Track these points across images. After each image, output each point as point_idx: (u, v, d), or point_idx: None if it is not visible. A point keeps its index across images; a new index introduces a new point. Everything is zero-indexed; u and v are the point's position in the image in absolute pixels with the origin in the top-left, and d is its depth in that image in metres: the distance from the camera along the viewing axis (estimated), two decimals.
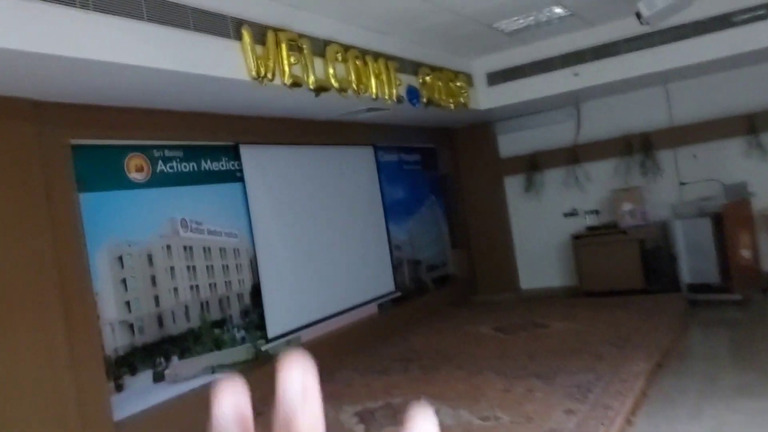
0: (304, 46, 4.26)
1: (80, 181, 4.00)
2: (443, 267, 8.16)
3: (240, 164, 5.25)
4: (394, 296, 7.01)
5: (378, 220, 6.95)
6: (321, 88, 4.36)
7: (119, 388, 4.10)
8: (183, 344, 4.56)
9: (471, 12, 5.31)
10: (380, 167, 7.12)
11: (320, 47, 4.50)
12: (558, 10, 5.76)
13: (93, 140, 4.13)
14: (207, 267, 4.88)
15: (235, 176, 5.23)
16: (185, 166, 4.81)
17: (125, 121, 4.30)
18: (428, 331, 6.57)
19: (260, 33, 3.96)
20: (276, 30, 4.05)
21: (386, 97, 5.10)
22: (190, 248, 4.76)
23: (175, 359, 4.49)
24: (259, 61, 3.86)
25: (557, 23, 6.09)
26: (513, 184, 8.41)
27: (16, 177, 3.54)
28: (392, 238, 7.14)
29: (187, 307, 4.65)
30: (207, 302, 4.82)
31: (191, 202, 4.82)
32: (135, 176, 4.41)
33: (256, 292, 5.24)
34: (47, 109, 3.72)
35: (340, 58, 4.62)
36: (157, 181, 4.57)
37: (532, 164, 8.16)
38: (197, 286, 4.77)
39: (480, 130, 8.31)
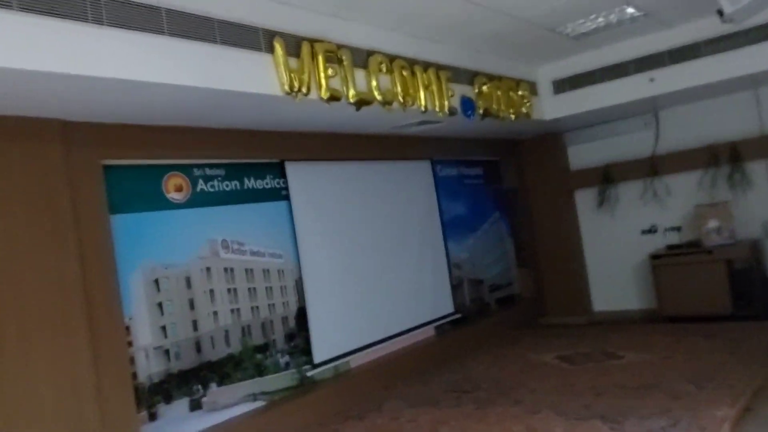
0: (344, 58, 4.00)
1: (113, 203, 3.88)
2: (508, 287, 7.70)
3: (285, 182, 5.05)
4: (453, 318, 6.62)
5: (435, 238, 6.60)
6: (362, 102, 4.09)
7: (152, 417, 3.95)
8: (222, 370, 4.37)
9: (531, 16, 4.90)
10: (438, 182, 6.78)
11: (362, 58, 4.23)
12: (630, 10, 5.25)
13: (128, 160, 4.02)
14: (249, 289, 4.68)
15: (280, 194, 5.02)
16: (227, 185, 4.65)
17: (163, 140, 4.17)
18: (488, 358, 6.14)
19: (294, 45, 3.73)
20: (312, 41, 3.81)
21: (437, 109, 4.77)
22: (231, 270, 4.58)
23: (213, 386, 4.31)
24: (292, 75, 3.63)
25: (629, 24, 5.58)
26: (584, 199, 7.84)
27: (43, 200, 3.44)
28: (451, 256, 6.77)
29: (227, 332, 4.47)
30: (248, 326, 4.62)
31: (233, 221, 4.64)
32: (174, 196, 4.28)
33: (301, 315, 5.00)
34: (77, 129, 3.62)
35: (384, 69, 4.33)
36: (198, 200, 4.42)
37: (606, 177, 7.57)
38: (238, 309, 4.58)
39: (548, 141, 7.82)
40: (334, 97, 3.89)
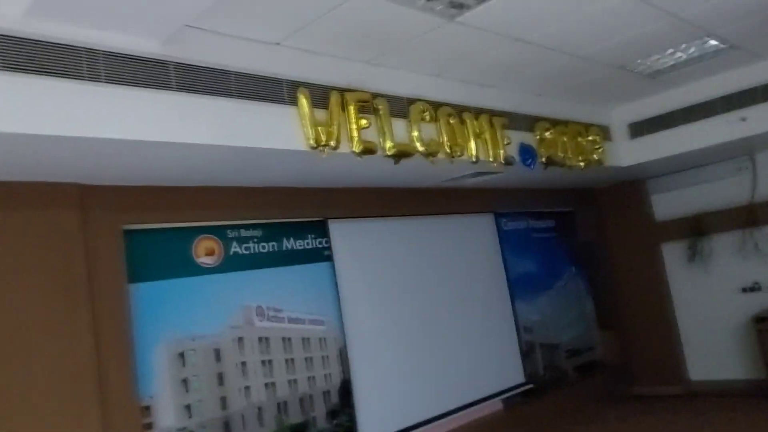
0: (380, 107, 3.64)
1: (134, 270, 3.63)
2: (588, 352, 6.93)
3: (328, 241, 4.68)
4: (524, 389, 5.95)
5: (501, 298, 6.01)
6: (401, 154, 3.69)
7: None
8: None
9: (594, 53, 4.39)
10: (503, 237, 6.23)
11: (402, 107, 3.86)
12: (712, 42, 4.65)
13: (151, 224, 3.78)
14: (286, 361, 4.29)
15: (323, 255, 4.66)
16: (264, 247, 4.33)
17: (191, 201, 3.93)
18: None
19: (322, 95, 3.40)
20: (342, 91, 3.48)
21: (491, 158, 4.30)
22: (267, 340, 4.21)
23: None
24: (318, 128, 3.29)
25: (713, 58, 4.94)
26: (673, 253, 7.04)
27: (58, 269, 3.22)
28: (520, 319, 6.15)
29: (260, 409, 4.07)
30: (285, 402, 4.21)
31: (270, 286, 4.30)
32: (205, 260, 3.99)
33: (345, 388, 4.55)
34: (95, 193, 3.42)
35: (428, 118, 3.94)
36: (231, 264, 4.11)
37: (697, 228, 6.77)
38: (273, 383, 4.18)
39: (628, 189, 7.13)
40: (368, 150, 3.52)
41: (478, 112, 4.35)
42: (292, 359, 4.33)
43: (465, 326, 5.56)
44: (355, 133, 3.46)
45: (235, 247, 4.17)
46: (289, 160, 3.47)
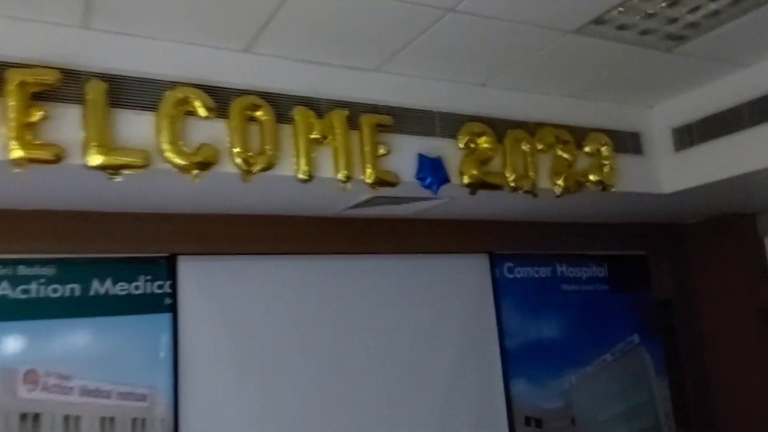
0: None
1: None
2: None
3: (172, 285, 3.45)
4: None
5: (484, 375, 4.26)
6: (114, 166, 2.37)
7: None
8: None
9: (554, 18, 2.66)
10: (501, 287, 4.46)
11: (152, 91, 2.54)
12: None
13: None
14: None
15: (158, 303, 3.44)
16: (55, 290, 3.24)
17: None
18: None
19: None
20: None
21: (339, 175, 2.78)
22: (37, 417, 3.11)
23: None
24: None
25: None
26: None
27: None
28: (519, 405, 4.33)
29: None
30: None
31: (60, 344, 3.21)
32: None
33: None
34: None
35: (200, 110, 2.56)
36: None
37: None
38: None
39: (728, 226, 4.89)
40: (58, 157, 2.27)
41: (326, 106, 2.86)
42: None
43: (409, 409, 3.95)
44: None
45: (3, 290, 3.14)
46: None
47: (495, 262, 4.48)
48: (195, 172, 2.47)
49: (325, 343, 3.79)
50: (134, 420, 3.29)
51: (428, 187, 2.98)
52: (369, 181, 2.84)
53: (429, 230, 4.21)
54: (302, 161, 2.70)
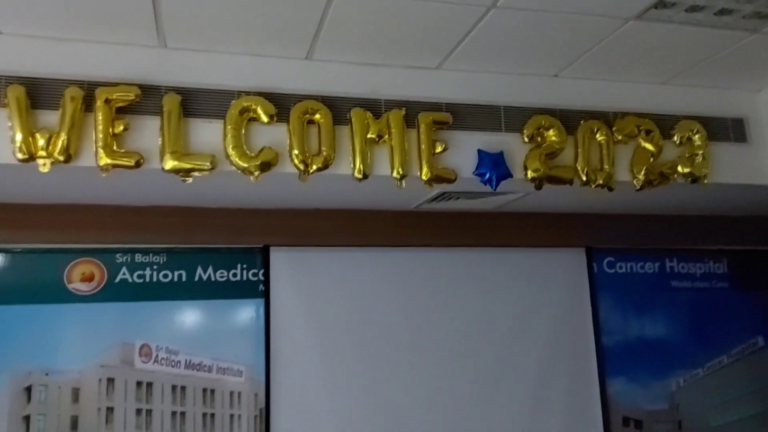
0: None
1: None
2: None
3: (261, 273, 3.79)
4: None
5: (578, 373, 4.15)
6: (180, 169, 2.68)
7: None
8: None
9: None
10: (600, 283, 4.31)
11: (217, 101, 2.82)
12: None
13: (17, 244, 3.52)
14: (173, 413, 3.59)
15: (253, 290, 3.79)
16: (166, 276, 3.70)
17: (68, 221, 3.55)
18: None
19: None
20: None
21: (395, 173, 2.90)
22: (149, 385, 3.59)
23: None
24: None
25: None
26: None
27: None
28: (618, 405, 4.18)
29: None
30: None
31: (169, 323, 3.67)
32: (78, 287, 3.57)
33: None
34: None
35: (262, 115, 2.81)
36: (115, 293, 3.60)
37: None
38: None
39: None
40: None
41: (385, 106, 2.98)
42: (183, 413, 3.61)
43: (497, 405, 3.97)
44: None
45: (123, 274, 3.65)
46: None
47: (593, 257, 4.34)
48: (256, 173, 2.72)
49: (410, 335, 3.92)
50: (231, 393, 3.68)
51: (487, 182, 3.00)
52: (425, 178, 2.93)
53: (521, 223, 4.17)
54: (357, 160, 2.85)
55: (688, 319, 4.46)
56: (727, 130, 3.46)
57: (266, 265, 3.80)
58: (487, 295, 4.09)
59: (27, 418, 3.40)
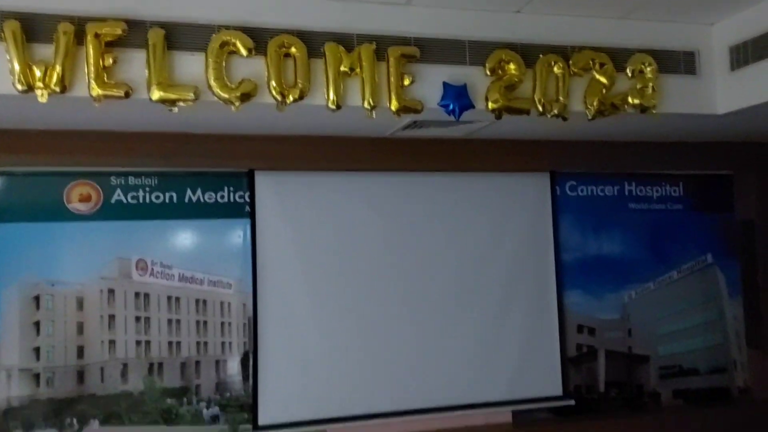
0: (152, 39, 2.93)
1: None
2: (712, 375, 4.90)
3: (247, 195, 4.10)
4: (559, 405, 4.52)
5: (539, 285, 4.56)
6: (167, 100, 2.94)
7: None
8: (110, 408, 3.83)
9: None
10: (562, 205, 4.66)
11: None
12: None
13: (19, 167, 3.79)
14: (169, 321, 3.99)
15: (239, 210, 4.11)
16: (158, 197, 4.01)
17: (66, 146, 3.80)
18: None
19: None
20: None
21: (366, 104, 3.16)
22: (146, 296, 3.96)
23: (94, 423, 3.82)
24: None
25: None
26: None
27: None
28: (572, 315, 4.62)
29: (125, 366, 3.89)
30: (161, 364, 3.95)
31: (162, 240, 4.00)
32: (77, 207, 3.88)
33: (247, 362, 4.05)
34: None
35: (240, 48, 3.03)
36: (110, 213, 3.91)
37: None
38: (148, 342, 3.94)
39: None
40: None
41: (357, 41, 3.20)
42: (178, 320, 4.01)
43: (466, 314, 4.38)
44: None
45: (118, 195, 3.95)
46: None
47: (557, 181, 4.66)
48: (237, 104, 2.98)
49: (386, 251, 4.28)
50: (222, 303, 4.07)
51: (451, 113, 3.27)
52: (394, 108, 3.19)
53: (489, 150, 4.43)
54: (331, 92, 3.10)
55: (643, 239, 4.84)
56: (678, 62, 3.71)
57: (251, 188, 4.11)
58: (458, 216, 4.43)
59: (37, 324, 3.78)
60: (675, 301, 4.87)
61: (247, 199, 4.11)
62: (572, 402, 4.54)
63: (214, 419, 3.99)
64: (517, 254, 4.52)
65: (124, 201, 3.95)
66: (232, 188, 4.12)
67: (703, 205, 4.98)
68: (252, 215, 4.09)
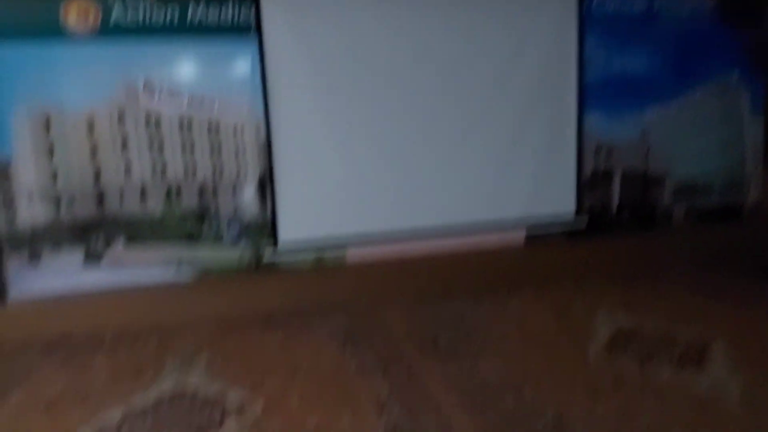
0: None
1: None
2: (725, 193, 4.90)
3: (252, 13, 3.84)
4: (572, 223, 4.58)
5: (559, 106, 4.43)
6: None
7: (33, 261, 3.79)
8: (134, 229, 3.89)
9: None
10: (590, 23, 4.37)
11: None
12: None
13: None
14: (183, 144, 3.92)
15: (245, 28, 3.86)
16: (159, 15, 3.77)
17: None
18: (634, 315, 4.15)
19: None
20: None
21: None
22: (157, 119, 3.86)
23: (119, 243, 3.90)
24: None
25: None
26: None
27: None
28: (591, 136, 4.53)
29: (143, 189, 3.89)
30: (178, 187, 3.95)
31: (168, 61, 3.81)
32: (74, 26, 3.65)
33: (264, 184, 4.04)
34: None
35: None
36: (111, 33, 3.68)
37: None
38: (164, 165, 3.91)
39: None
40: None
41: None
42: (192, 144, 3.95)
43: (483, 131, 4.29)
44: None
45: (118, 14, 3.70)
46: None
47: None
48: None
49: (402, 68, 4.09)
50: (234, 126, 3.97)
51: None
52: None
53: None
54: None
55: (669, 55, 4.61)
56: None
57: (257, 4, 3.84)
58: (477, 30, 4.19)
59: (50, 149, 3.72)
60: (697, 120, 4.75)
61: (253, 16, 3.86)
62: (586, 220, 4.59)
63: (237, 238, 4.07)
64: (538, 71, 4.33)
65: (125, 20, 3.71)
66: (236, 2, 3.85)
67: (733, 20, 4.69)
68: (259, 33, 3.86)
